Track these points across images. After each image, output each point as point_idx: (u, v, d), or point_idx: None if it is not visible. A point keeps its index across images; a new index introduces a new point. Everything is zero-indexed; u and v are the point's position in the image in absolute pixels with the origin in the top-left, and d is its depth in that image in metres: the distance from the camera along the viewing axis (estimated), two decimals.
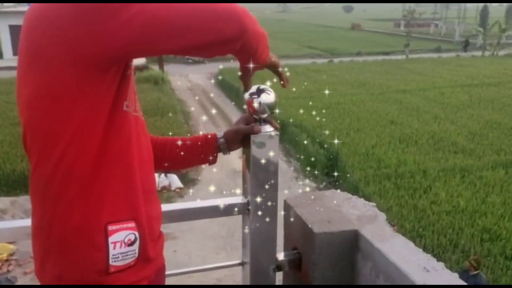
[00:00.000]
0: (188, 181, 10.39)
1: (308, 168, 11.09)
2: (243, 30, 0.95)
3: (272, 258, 1.31)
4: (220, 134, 1.31)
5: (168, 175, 10.16)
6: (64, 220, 0.99)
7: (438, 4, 55.52)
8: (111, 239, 0.99)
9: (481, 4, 42.96)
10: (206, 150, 1.30)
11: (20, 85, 1.01)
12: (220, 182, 10.01)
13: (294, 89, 16.54)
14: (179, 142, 1.30)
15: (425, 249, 7.17)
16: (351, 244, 1.24)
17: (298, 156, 11.96)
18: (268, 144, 1.22)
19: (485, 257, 6.84)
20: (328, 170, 10.54)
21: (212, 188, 9.04)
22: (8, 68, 23.74)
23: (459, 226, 7.65)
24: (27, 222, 1.21)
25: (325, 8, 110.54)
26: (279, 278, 1.37)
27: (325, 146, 11.39)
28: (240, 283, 1.39)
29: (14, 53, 26.58)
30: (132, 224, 1.03)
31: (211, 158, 1.32)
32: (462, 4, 49.25)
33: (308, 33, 47.76)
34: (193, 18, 0.90)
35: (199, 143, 1.31)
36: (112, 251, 1.00)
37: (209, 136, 1.31)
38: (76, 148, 0.96)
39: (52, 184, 0.99)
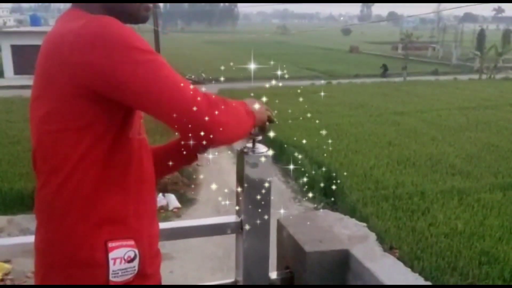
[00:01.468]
0: (185, 201, 10.38)
1: (305, 189, 11.08)
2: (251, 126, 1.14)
3: (265, 276, 1.33)
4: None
5: (166, 194, 10.16)
6: (67, 237, 1.04)
7: (436, 27, 56.24)
8: (111, 255, 1.03)
9: (478, 28, 43.54)
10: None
11: (33, 107, 1.07)
12: (218, 203, 10.00)
13: (290, 111, 16.64)
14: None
15: (423, 271, 7.15)
16: (342, 263, 1.26)
17: (296, 176, 11.98)
18: (261, 164, 1.25)
19: (484, 280, 6.80)
20: (326, 191, 10.54)
21: (209, 209, 9.03)
22: (9, 87, 23.90)
23: (457, 248, 7.61)
24: (23, 239, 1.24)
25: (324, 31, 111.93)
26: None
27: (323, 166, 11.41)
28: None
29: (15, 73, 26.79)
30: (131, 242, 1.06)
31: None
32: (459, 28, 49.91)
33: (307, 55, 48.24)
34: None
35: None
36: (112, 267, 1.03)
37: None
38: (81, 171, 1.02)
39: (56, 203, 1.04)
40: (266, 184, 1.27)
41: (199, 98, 0.96)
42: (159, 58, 0.99)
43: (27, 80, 24.54)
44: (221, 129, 0.98)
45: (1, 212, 9.73)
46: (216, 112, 0.98)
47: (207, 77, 28.80)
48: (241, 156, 1.25)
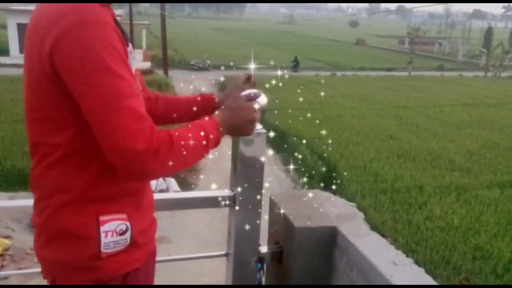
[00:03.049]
0: (186, 185, 10.46)
1: (305, 179, 11.15)
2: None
3: (255, 250, 1.38)
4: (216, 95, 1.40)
5: (166, 178, 10.22)
6: (59, 212, 1.08)
7: (443, 23, 55.84)
8: (102, 228, 1.08)
9: (486, 25, 43.25)
10: (203, 106, 1.37)
11: (24, 91, 1.10)
12: (218, 188, 10.08)
13: (293, 101, 16.66)
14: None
15: (417, 264, 7.22)
16: (329, 239, 1.32)
17: (296, 166, 12.03)
18: (255, 141, 1.30)
19: (476, 274, 6.88)
20: (325, 182, 10.61)
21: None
22: (15, 65, 23.88)
23: (452, 243, 7.69)
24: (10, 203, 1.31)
25: (331, 22, 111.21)
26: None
27: (324, 157, 11.46)
28: None
29: (21, 51, 26.76)
30: (123, 215, 1.11)
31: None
32: (467, 24, 49.57)
33: (312, 46, 48.05)
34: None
35: (199, 98, 1.38)
36: (103, 240, 1.08)
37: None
38: (68, 156, 1.06)
39: (48, 182, 1.09)
40: (260, 161, 1.32)
41: (137, 147, 0.95)
42: (122, 84, 0.96)
43: None
44: (153, 175, 1.03)
45: (3, 189, 9.82)
46: (153, 168, 0.99)
47: (212, 63, 28.76)
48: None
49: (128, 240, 1.12)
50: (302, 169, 11.54)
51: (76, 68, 0.94)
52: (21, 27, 26.23)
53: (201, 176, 10.91)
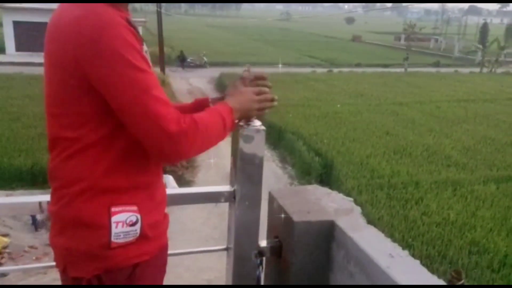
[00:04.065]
0: (184, 183, 10.48)
1: (302, 175, 11.19)
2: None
3: (254, 244, 1.42)
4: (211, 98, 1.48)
5: (164, 175, 10.25)
6: (73, 202, 1.14)
7: (439, 19, 55.93)
8: (113, 219, 1.13)
9: (482, 21, 43.35)
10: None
11: (45, 88, 1.17)
12: (215, 185, 10.10)
13: (290, 98, 16.70)
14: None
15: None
16: (327, 233, 1.35)
17: (293, 162, 12.08)
18: (255, 138, 1.33)
19: (472, 269, 6.93)
20: (322, 178, 10.65)
21: None
22: (10, 63, 23.78)
23: (448, 238, 7.74)
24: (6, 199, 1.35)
25: (327, 19, 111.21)
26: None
27: (321, 154, 11.50)
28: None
29: (17, 49, 26.67)
30: (134, 208, 1.16)
31: None
32: (463, 20, 49.67)
33: (309, 42, 48.03)
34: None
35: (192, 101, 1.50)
36: (114, 230, 1.13)
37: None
38: (84, 151, 1.14)
39: (63, 174, 1.16)
40: (259, 157, 1.35)
41: (171, 130, 1.05)
42: (148, 78, 1.06)
43: (28, 57, 24.50)
44: (185, 156, 1.12)
45: (0, 187, 9.83)
46: (184, 150, 1.10)
47: (209, 60, 28.72)
48: (236, 130, 1.34)
49: (138, 231, 1.17)
50: (299, 165, 11.59)
51: (102, 69, 1.03)
52: (17, 25, 26.11)
53: (199, 174, 10.93)
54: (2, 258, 8.85)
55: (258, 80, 1.36)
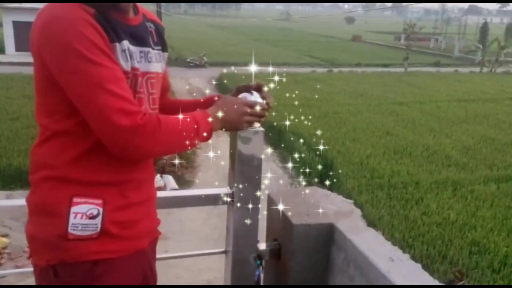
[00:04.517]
0: (183, 183, 10.47)
1: (302, 175, 11.17)
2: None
3: (253, 247, 1.40)
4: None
5: (164, 176, 10.23)
6: (38, 189, 1.16)
7: (439, 19, 55.90)
8: (73, 209, 1.12)
9: (482, 21, 43.34)
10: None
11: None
12: (214, 185, 10.09)
13: (289, 98, 16.67)
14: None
15: (413, 259, 7.26)
16: (327, 236, 1.33)
17: (293, 162, 12.06)
18: (253, 139, 1.32)
19: (473, 269, 6.91)
20: (322, 178, 10.63)
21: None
22: (10, 63, 23.75)
23: (449, 238, 7.73)
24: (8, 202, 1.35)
25: (327, 19, 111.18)
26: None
27: (321, 154, 11.49)
28: None
29: (17, 49, 26.66)
30: (98, 201, 1.14)
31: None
32: (463, 20, 49.66)
33: (309, 42, 48.01)
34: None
35: (202, 100, 1.46)
36: (72, 220, 1.12)
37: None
38: (55, 140, 1.16)
39: (34, 160, 1.19)
40: (258, 158, 1.33)
41: (121, 124, 1.04)
42: (100, 70, 1.05)
43: (28, 57, 24.40)
44: (143, 152, 1.11)
45: None
46: (139, 146, 1.08)
47: (208, 60, 28.70)
48: (234, 131, 1.32)
49: (99, 226, 1.14)
50: (299, 165, 11.57)
51: (56, 61, 1.05)
52: (16, 25, 26.09)
53: (199, 174, 10.92)
54: (1, 258, 8.83)
55: (256, 90, 1.35)
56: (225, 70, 18.76)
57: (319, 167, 10.96)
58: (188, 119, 1.18)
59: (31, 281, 7.24)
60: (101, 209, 1.14)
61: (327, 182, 10.20)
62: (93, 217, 1.13)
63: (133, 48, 1.18)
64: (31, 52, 1.16)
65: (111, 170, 1.18)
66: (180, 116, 1.18)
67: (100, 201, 1.15)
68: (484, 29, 39.11)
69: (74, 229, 1.12)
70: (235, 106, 1.27)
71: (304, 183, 10.80)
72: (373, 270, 1.13)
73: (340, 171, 10.59)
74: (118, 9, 1.17)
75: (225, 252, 1.46)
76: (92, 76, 1.04)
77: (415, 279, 1.08)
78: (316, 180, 10.62)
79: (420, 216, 8.49)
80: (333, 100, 18.03)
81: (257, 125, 1.32)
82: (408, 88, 22.09)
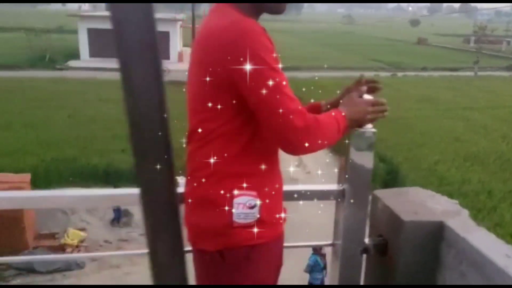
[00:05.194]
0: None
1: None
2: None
3: (361, 241, 1.48)
4: (323, 103, 1.59)
5: None
6: (201, 183, 1.32)
7: (511, 21, 53.02)
8: (236, 200, 1.28)
9: None
10: None
11: (188, 89, 1.37)
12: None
13: None
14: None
15: None
16: (436, 233, 1.38)
17: None
18: (366, 139, 1.40)
19: None
20: (387, 185, 10.46)
21: None
22: (85, 68, 25.10)
23: None
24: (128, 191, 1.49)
25: (392, 22, 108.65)
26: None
27: (385, 159, 11.31)
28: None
29: (91, 55, 28.17)
30: (254, 193, 1.30)
31: None
32: None
33: (374, 46, 47.19)
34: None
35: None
36: (236, 210, 1.28)
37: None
38: (214, 142, 1.30)
39: (195, 160, 1.34)
40: (368, 158, 1.41)
41: (298, 125, 1.20)
42: (281, 78, 1.21)
43: (102, 62, 25.77)
44: (308, 149, 1.24)
45: (77, 184, 10.48)
46: (307, 144, 1.22)
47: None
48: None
49: (257, 215, 1.30)
50: None
51: (244, 69, 1.18)
52: (91, 32, 27.55)
53: None
54: (79, 251, 9.42)
55: (369, 83, 1.44)
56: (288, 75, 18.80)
57: (384, 173, 10.79)
58: (332, 119, 1.32)
59: (106, 273, 7.64)
60: (258, 201, 1.30)
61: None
62: (251, 207, 1.29)
63: None
64: (196, 64, 1.30)
65: (261, 163, 1.33)
66: (326, 116, 1.32)
67: (255, 193, 1.30)
68: None
69: (238, 218, 1.28)
70: (360, 106, 1.41)
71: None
72: (490, 265, 1.17)
73: (406, 177, 10.39)
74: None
75: (332, 244, 1.55)
76: (275, 82, 1.19)
77: None
78: (380, 186, 10.46)
79: (493, 227, 8.17)
80: (399, 105, 17.62)
81: (369, 125, 1.40)
82: (479, 92, 21.18)
